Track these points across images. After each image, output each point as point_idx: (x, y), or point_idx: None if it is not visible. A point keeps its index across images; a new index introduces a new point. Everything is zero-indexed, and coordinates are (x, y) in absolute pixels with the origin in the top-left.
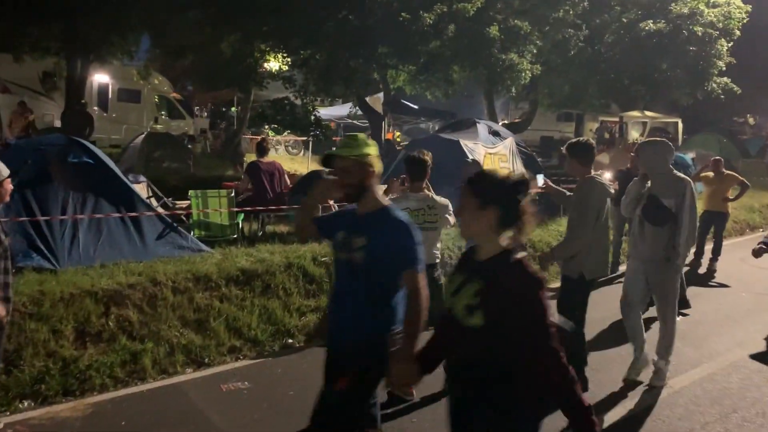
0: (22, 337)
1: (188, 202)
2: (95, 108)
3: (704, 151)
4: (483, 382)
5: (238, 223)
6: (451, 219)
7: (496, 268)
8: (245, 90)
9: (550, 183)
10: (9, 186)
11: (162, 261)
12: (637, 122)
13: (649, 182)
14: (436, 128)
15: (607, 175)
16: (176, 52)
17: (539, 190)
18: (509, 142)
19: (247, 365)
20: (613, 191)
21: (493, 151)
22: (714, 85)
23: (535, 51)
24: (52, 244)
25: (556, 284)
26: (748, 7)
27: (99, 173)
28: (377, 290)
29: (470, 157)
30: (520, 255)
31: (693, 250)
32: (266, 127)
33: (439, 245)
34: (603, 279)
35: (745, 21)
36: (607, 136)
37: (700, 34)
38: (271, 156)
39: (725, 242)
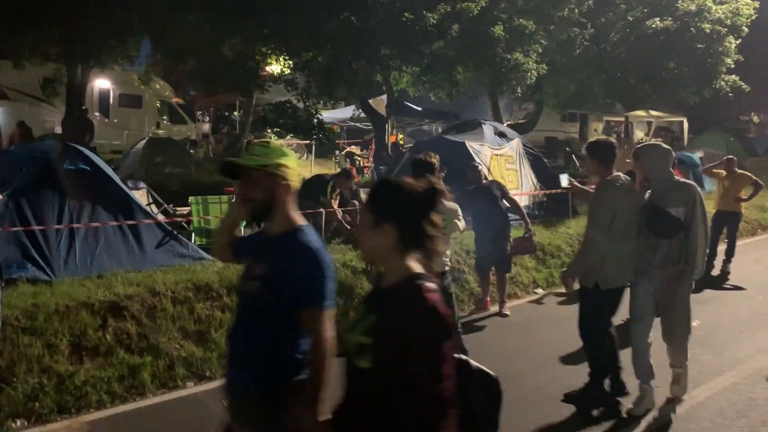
0: (15, 352)
1: (189, 208)
2: (96, 114)
3: (712, 150)
4: None
5: (240, 230)
6: (461, 224)
7: (393, 299)
8: (247, 94)
9: (576, 183)
10: None
11: (161, 270)
12: (642, 122)
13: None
14: (439, 130)
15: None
16: (177, 56)
17: (564, 191)
18: (516, 144)
19: None
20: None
21: (500, 153)
22: (722, 83)
23: (540, 50)
24: (47, 254)
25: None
26: (756, 3)
27: (96, 180)
28: (276, 331)
29: (476, 159)
30: (426, 284)
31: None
32: (269, 130)
33: (448, 252)
34: None
35: (753, 17)
36: (613, 136)
37: (708, 31)
38: None
39: (737, 243)
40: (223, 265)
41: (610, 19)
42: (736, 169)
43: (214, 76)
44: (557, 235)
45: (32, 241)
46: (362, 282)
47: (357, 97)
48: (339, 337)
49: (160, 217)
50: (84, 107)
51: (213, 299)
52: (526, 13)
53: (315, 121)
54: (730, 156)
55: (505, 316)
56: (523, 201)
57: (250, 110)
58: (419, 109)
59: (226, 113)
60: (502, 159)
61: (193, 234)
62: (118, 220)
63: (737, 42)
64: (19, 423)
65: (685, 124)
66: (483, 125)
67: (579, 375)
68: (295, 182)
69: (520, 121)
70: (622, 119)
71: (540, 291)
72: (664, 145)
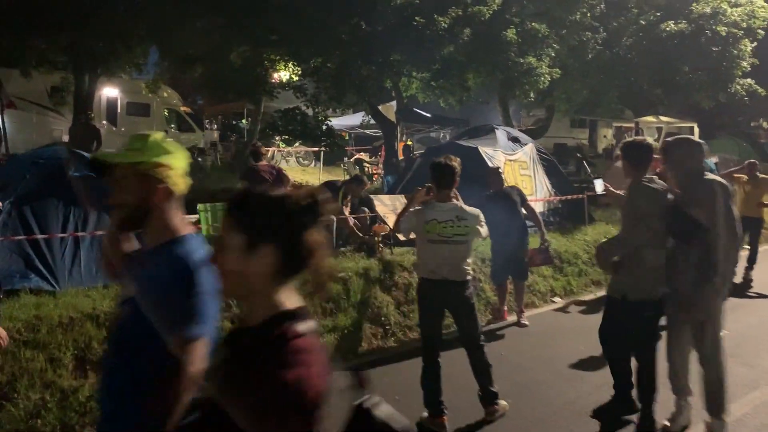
0: (17, 367)
1: (197, 216)
2: (104, 122)
3: (727, 155)
4: None
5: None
6: (484, 230)
7: (255, 344)
8: (255, 100)
9: (611, 188)
10: None
11: None
12: (652, 127)
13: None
14: (447, 137)
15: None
16: (185, 63)
17: (598, 195)
18: (529, 149)
19: None
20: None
21: (513, 158)
22: (738, 87)
23: (553, 54)
24: (51, 264)
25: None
26: None
27: (102, 187)
28: (146, 365)
29: (490, 164)
30: (300, 327)
31: None
32: (277, 138)
33: (470, 260)
34: None
35: None
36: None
37: (724, 34)
38: (283, 168)
39: (759, 249)
40: None
41: (622, 23)
42: (758, 174)
43: (222, 84)
44: (574, 242)
45: (36, 251)
46: (376, 292)
47: (367, 103)
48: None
49: None
50: (90, 113)
51: (222, 309)
52: (538, 16)
53: (324, 127)
54: (752, 160)
55: (524, 326)
56: (538, 207)
57: (258, 118)
58: (428, 115)
59: (234, 122)
60: (516, 164)
61: None
62: None
63: (753, 45)
64: None
65: (696, 130)
66: (496, 130)
67: (607, 388)
68: (180, 185)
69: (530, 128)
70: (632, 125)
71: (558, 299)
72: (696, 139)
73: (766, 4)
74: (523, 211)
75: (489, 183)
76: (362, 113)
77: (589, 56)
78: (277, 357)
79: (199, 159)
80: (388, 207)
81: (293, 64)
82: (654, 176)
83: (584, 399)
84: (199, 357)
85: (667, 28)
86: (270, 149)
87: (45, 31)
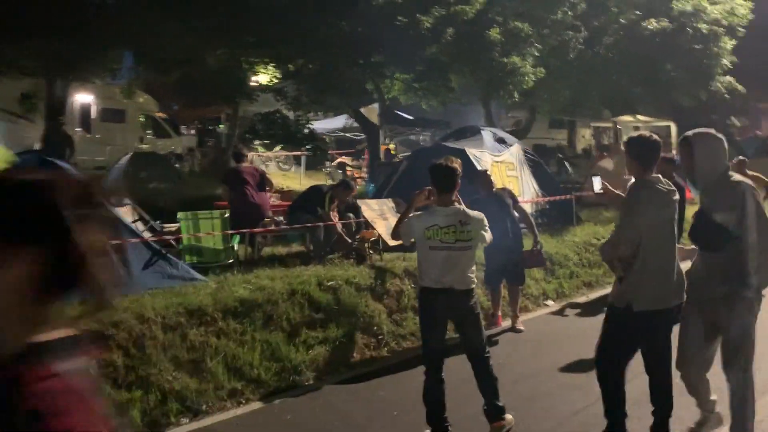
0: None
1: (177, 225)
2: (77, 129)
3: None
4: None
5: (233, 247)
6: (488, 236)
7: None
8: (233, 104)
9: (609, 187)
10: None
11: (150, 294)
12: (629, 126)
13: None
14: (427, 140)
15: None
16: (160, 66)
17: (595, 194)
18: (516, 150)
19: (251, 411)
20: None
21: (500, 160)
22: (718, 85)
23: (536, 53)
24: None
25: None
26: (750, 4)
27: None
28: None
29: (478, 166)
30: (59, 365)
31: None
32: (256, 142)
33: (474, 267)
34: None
35: (749, 18)
36: (606, 141)
37: (705, 31)
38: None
39: None
40: (217, 285)
41: (603, 22)
42: (748, 171)
43: (200, 88)
44: (564, 243)
45: None
46: (367, 300)
47: (349, 106)
48: None
49: (147, 235)
50: (61, 120)
51: (207, 324)
52: (520, 16)
53: (306, 131)
54: (742, 158)
55: (520, 331)
56: (525, 209)
57: (236, 122)
58: (410, 117)
59: (210, 127)
60: (502, 166)
61: (183, 253)
62: None
63: (733, 43)
64: None
65: (673, 128)
66: (482, 131)
67: None
68: None
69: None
70: (610, 125)
71: (551, 303)
72: (717, 134)
73: (744, 2)
74: (515, 213)
75: (478, 186)
76: (344, 116)
77: (571, 56)
78: (16, 405)
79: (177, 165)
80: (375, 212)
81: (273, 67)
82: (660, 176)
83: (591, 408)
84: None
85: (650, 26)
86: (249, 154)
87: (13, 36)
